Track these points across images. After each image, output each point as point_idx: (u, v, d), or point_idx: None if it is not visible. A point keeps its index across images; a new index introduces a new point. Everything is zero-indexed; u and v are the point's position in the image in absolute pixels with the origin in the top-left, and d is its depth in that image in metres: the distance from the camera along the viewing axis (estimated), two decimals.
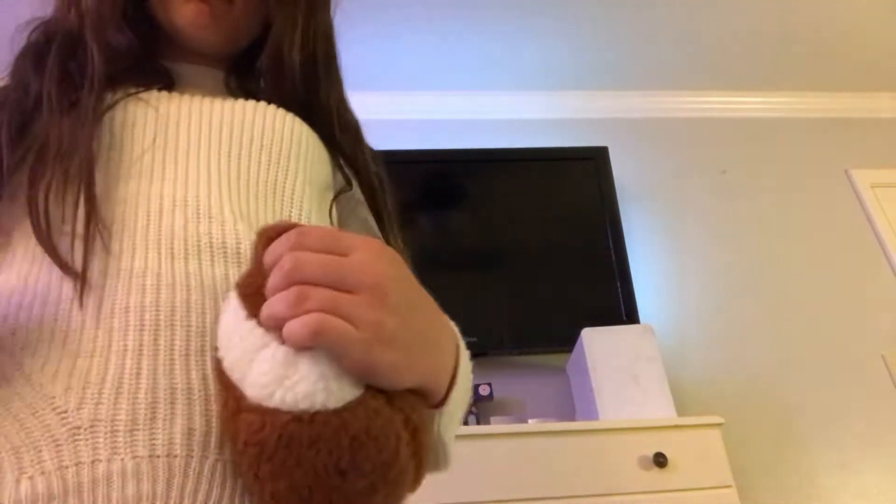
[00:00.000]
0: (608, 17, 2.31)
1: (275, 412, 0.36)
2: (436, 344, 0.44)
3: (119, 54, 0.57)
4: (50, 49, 0.54)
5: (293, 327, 0.35)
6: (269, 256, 0.38)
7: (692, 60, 2.53)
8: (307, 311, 0.35)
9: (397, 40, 2.35)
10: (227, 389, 0.39)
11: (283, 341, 0.36)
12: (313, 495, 0.36)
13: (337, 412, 0.36)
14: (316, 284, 0.36)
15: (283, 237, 0.39)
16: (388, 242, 0.65)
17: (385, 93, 2.47)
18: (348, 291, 0.37)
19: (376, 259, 0.39)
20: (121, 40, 0.58)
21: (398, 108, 2.49)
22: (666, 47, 2.46)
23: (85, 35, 0.55)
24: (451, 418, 0.47)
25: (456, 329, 0.50)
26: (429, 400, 0.44)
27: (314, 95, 0.64)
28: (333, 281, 0.37)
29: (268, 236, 0.40)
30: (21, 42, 0.57)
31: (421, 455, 0.42)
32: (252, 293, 0.39)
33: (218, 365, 0.40)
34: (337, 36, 0.67)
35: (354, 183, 0.65)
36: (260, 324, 0.37)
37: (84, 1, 0.57)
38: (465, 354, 0.48)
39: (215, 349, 0.41)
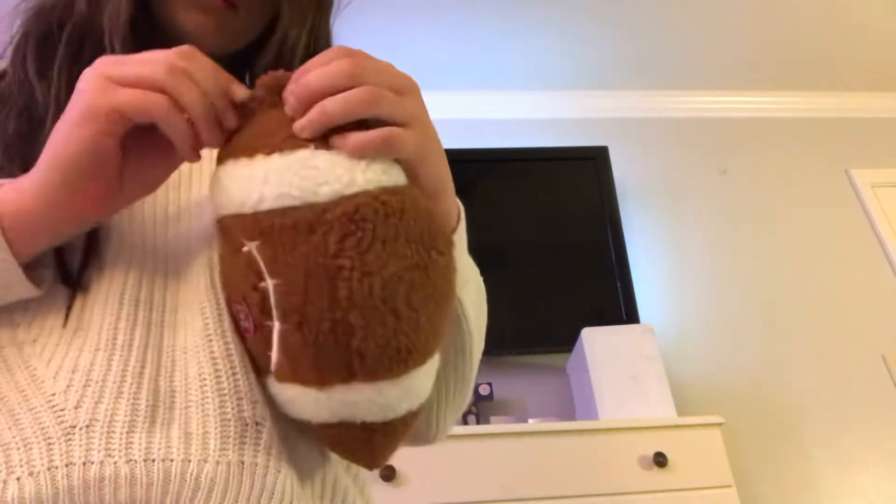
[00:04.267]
0: (609, 17, 2.31)
1: (359, 195, 0.37)
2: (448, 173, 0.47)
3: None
4: (54, 44, 0.52)
5: (371, 138, 0.38)
6: (320, 58, 0.40)
7: (692, 60, 2.53)
8: (379, 111, 0.39)
9: (396, 40, 2.35)
10: (286, 214, 0.37)
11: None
12: (413, 278, 0.37)
13: (407, 187, 0.39)
14: (376, 85, 0.39)
15: (336, 48, 0.41)
16: None
17: None
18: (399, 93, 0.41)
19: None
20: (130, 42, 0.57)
21: None
22: (666, 47, 2.46)
23: (96, 33, 0.53)
24: (459, 247, 0.49)
25: None
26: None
27: None
28: (388, 84, 0.40)
29: (274, 83, 0.41)
30: (19, 26, 0.55)
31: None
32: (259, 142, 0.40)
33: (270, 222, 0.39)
34: (335, 38, 0.67)
35: None
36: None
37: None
38: (463, 216, 0.52)
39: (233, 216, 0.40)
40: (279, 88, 0.40)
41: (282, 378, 0.40)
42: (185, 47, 0.41)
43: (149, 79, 0.38)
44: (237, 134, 0.41)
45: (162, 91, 0.38)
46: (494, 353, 2.03)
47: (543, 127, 2.55)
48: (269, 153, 0.38)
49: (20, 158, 0.47)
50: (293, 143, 0.38)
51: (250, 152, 0.39)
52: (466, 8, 2.25)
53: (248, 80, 0.65)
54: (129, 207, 0.48)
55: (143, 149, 0.41)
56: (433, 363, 0.41)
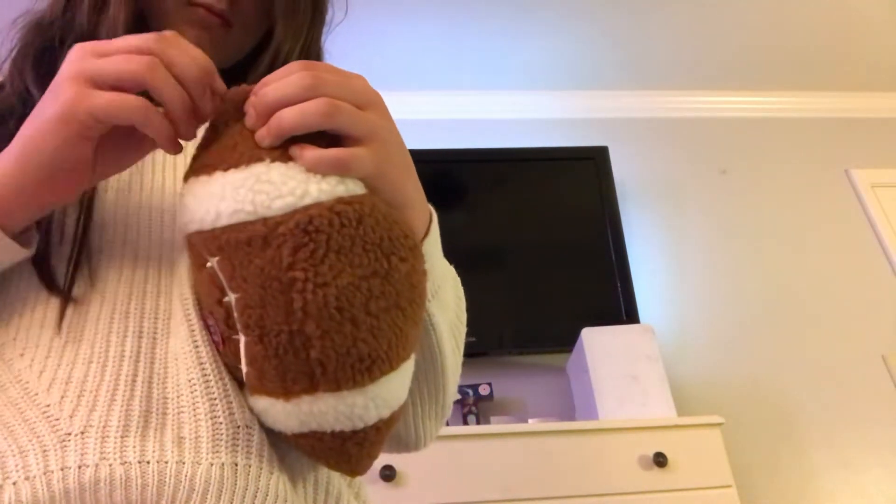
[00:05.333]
0: (608, 16, 2.31)
1: (312, 206, 0.36)
2: (417, 186, 0.47)
3: None
4: (53, 57, 0.53)
5: (325, 156, 0.38)
6: (281, 71, 0.40)
7: (692, 60, 2.53)
8: (337, 123, 0.39)
9: (396, 40, 2.35)
10: (241, 229, 0.37)
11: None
12: (371, 286, 0.37)
13: (365, 195, 0.39)
14: (335, 97, 0.39)
15: (297, 62, 0.40)
16: None
17: (385, 93, 2.45)
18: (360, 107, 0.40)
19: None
20: None
21: (398, 108, 2.48)
22: (666, 47, 2.46)
23: None
24: (430, 254, 0.47)
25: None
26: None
27: None
28: (348, 98, 0.39)
29: (239, 97, 0.41)
30: (16, 38, 0.56)
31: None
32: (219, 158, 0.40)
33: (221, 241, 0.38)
34: (326, 49, 0.67)
35: None
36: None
37: (105, 10, 0.54)
38: (435, 223, 0.50)
39: (195, 233, 0.40)
40: (243, 102, 0.40)
41: (252, 390, 0.41)
42: (168, 33, 0.40)
43: (129, 79, 0.38)
44: (204, 150, 0.41)
45: (142, 87, 0.38)
46: (494, 353, 2.03)
47: (543, 127, 2.55)
48: (226, 169, 0.38)
49: None
50: (250, 157, 0.38)
51: (210, 170, 0.39)
52: (466, 8, 2.25)
53: None
54: (125, 213, 0.49)
55: (116, 136, 0.41)
56: (404, 370, 0.41)
